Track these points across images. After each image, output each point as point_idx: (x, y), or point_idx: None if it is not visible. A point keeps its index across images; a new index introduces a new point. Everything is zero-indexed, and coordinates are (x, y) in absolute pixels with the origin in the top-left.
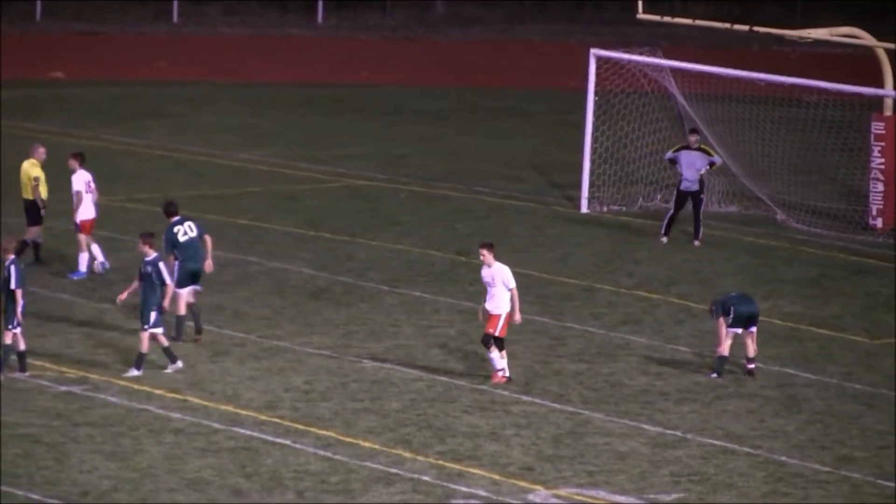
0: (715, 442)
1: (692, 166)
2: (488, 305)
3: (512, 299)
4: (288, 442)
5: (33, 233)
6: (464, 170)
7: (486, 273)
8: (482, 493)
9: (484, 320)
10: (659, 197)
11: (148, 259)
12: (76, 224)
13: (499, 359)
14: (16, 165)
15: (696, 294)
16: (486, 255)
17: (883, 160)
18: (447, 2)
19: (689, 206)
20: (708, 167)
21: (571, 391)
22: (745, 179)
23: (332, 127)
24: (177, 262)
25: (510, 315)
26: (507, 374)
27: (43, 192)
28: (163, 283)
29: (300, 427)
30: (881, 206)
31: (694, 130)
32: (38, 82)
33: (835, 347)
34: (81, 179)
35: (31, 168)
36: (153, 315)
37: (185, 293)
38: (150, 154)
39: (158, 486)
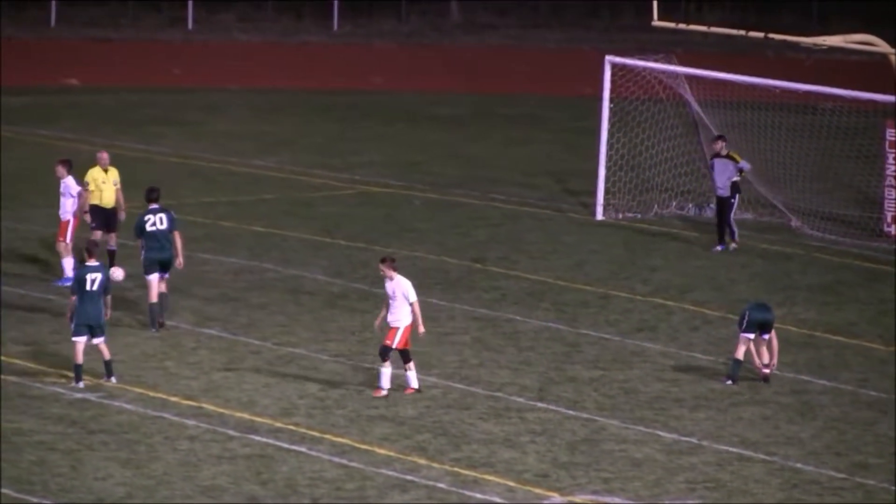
0: (730, 449)
1: (723, 173)
2: (389, 318)
3: (413, 312)
4: (303, 449)
5: (96, 235)
6: (479, 177)
7: (387, 286)
8: (497, 500)
9: (381, 332)
10: (674, 204)
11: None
12: (86, 220)
13: (388, 375)
14: (29, 170)
15: (711, 301)
16: (386, 270)
17: None
18: (462, 9)
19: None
20: (738, 174)
21: (587, 398)
22: (759, 186)
23: (348, 134)
24: (142, 250)
25: (411, 327)
26: (417, 387)
27: (93, 198)
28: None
29: (315, 434)
30: (895, 213)
31: (721, 137)
32: (53, 89)
33: (849, 354)
34: (74, 183)
35: (97, 174)
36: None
37: (154, 281)
38: (165, 161)
39: (173, 494)
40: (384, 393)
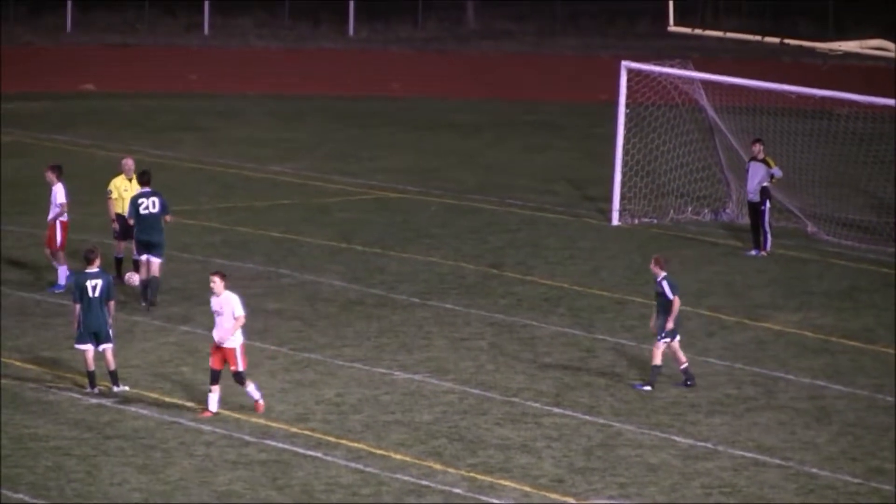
0: (746, 454)
1: (755, 177)
2: (218, 337)
3: (236, 327)
4: (319, 454)
5: (121, 247)
6: (496, 183)
7: (214, 302)
8: None
9: (214, 349)
10: (690, 209)
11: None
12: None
13: (255, 388)
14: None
15: (727, 307)
16: (217, 284)
17: None
18: (479, 15)
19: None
20: (769, 179)
21: (602, 403)
22: (775, 191)
23: (365, 140)
24: (134, 233)
25: (244, 344)
26: (259, 397)
27: (117, 206)
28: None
29: (331, 440)
30: None
31: (759, 140)
32: (70, 95)
33: (866, 360)
34: (63, 192)
35: (121, 182)
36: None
37: (143, 261)
38: (181, 167)
39: (189, 499)
40: (211, 413)
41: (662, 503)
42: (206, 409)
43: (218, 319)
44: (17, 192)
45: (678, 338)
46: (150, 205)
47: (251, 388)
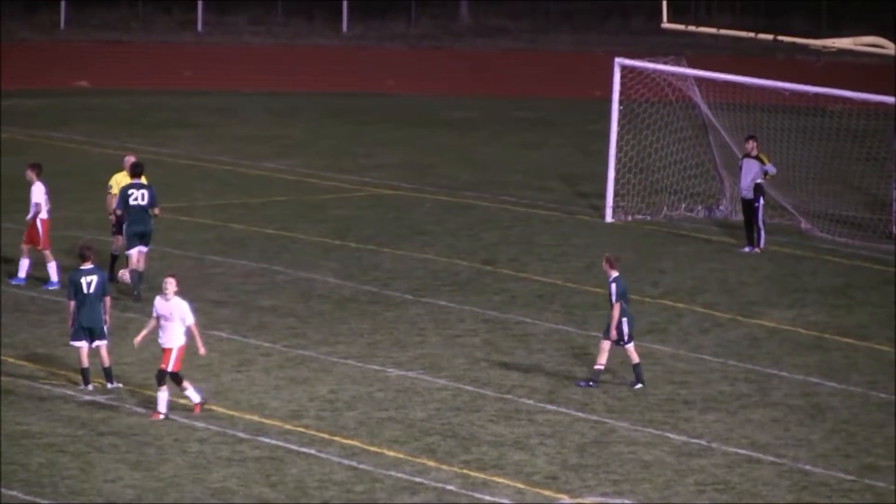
0: (740, 451)
1: (748, 174)
2: (161, 339)
3: (193, 334)
4: (313, 451)
5: (117, 244)
6: (490, 179)
7: (163, 307)
8: (507, 502)
9: (139, 348)
10: (684, 206)
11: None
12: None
13: (165, 400)
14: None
15: (721, 303)
16: (170, 286)
17: None
18: (473, 12)
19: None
20: (763, 176)
21: (596, 400)
22: (769, 188)
23: (359, 136)
24: (124, 225)
25: (184, 348)
26: (200, 401)
27: (113, 203)
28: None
29: (325, 436)
30: None
31: (752, 137)
32: (64, 92)
33: (860, 357)
34: (41, 191)
35: (122, 178)
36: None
37: (134, 254)
38: (176, 163)
39: (183, 496)
40: (162, 416)
41: (656, 500)
42: (156, 412)
43: (165, 324)
44: (13, 190)
45: (611, 341)
46: (140, 196)
47: (163, 395)
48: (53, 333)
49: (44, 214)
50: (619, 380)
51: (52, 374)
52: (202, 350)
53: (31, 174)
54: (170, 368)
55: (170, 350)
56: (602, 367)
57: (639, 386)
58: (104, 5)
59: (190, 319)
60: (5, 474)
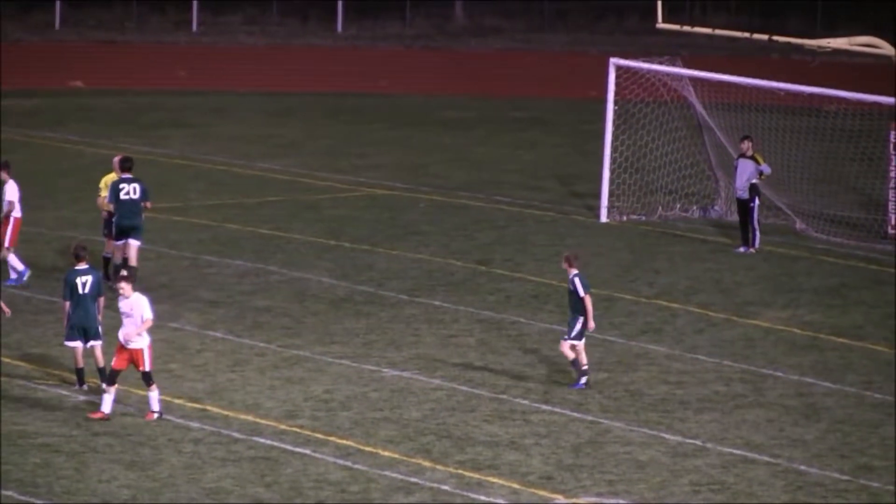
0: (735, 451)
1: (743, 174)
2: (127, 338)
3: (143, 328)
4: (308, 451)
5: (108, 246)
6: (485, 179)
7: (124, 304)
8: (502, 502)
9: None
10: (678, 206)
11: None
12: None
13: (157, 398)
14: (35, 173)
15: (716, 303)
16: (125, 288)
17: None
18: (467, 12)
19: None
20: (758, 176)
21: (591, 400)
22: (764, 188)
23: (353, 136)
24: (114, 218)
25: (151, 345)
26: (158, 410)
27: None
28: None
29: (320, 436)
30: None
31: (747, 137)
32: (59, 92)
33: (854, 356)
34: (14, 189)
35: (112, 179)
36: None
37: (120, 245)
38: (170, 163)
39: (178, 496)
40: (156, 416)
41: (651, 500)
42: (99, 410)
43: (126, 321)
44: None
45: (584, 340)
46: (131, 191)
47: (154, 394)
48: (48, 334)
49: (17, 213)
50: (614, 380)
51: (47, 375)
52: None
53: (3, 175)
54: (148, 368)
55: (140, 351)
56: (587, 366)
57: (583, 383)
58: (99, 5)
59: (147, 315)
60: (0, 474)
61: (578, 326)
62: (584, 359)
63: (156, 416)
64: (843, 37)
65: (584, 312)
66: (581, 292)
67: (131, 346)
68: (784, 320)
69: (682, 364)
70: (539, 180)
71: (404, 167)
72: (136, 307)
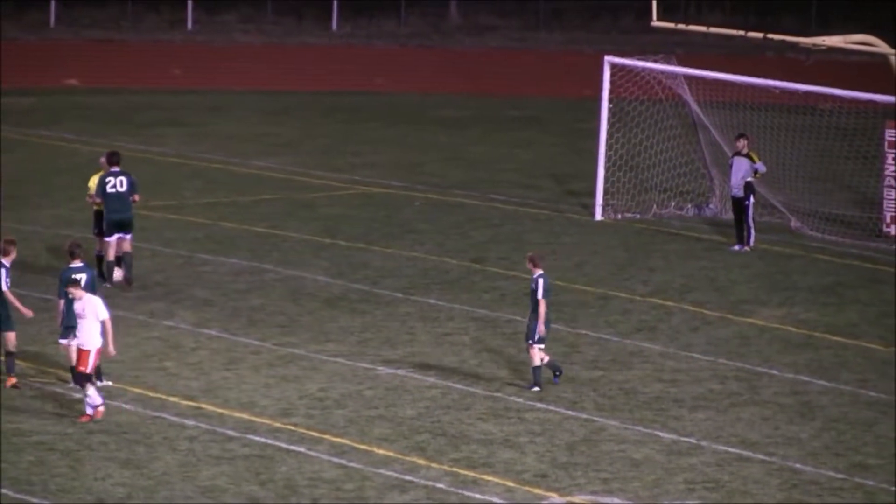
0: (730, 449)
1: (738, 172)
2: (80, 340)
3: (105, 332)
4: (303, 449)
5: (99, 245)
6: (479, 178)
7: (77, 305)
8: (497, 500)
9: (76, 354)
10: (673, 204)
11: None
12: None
13: (96, 395)
14: (31, 171)
15: (711, 302)
16: (75, 291)
17: None
18: (462, 10)
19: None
20: (753, 174)
21: (586, 398)
22: (759, 187)
23: (349, 135)
24: (103, 212)
25: (102, 349)
26: (92, 413)
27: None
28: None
29: (315, 434)
30: (895, 214)
31: (743, 135)
32: (54, 90)
33: (849, 355)
34: None
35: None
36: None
37: (113, 242)
38: (166, 162)
39: (173, 494)
40: (97, 411)
41: (646, 498)
42: (84, 415)
43: (81, 322)
44: (4, 188)
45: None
46: (118, 184)
47: (91, 392)
48: (43, 332)
49: None
50: (609, 379)
51: (41, 372)
52: (111, 349)
53: None
54: (89, 370)
55: (88, 352)
56: (548, 359)
57: (536, 389)
58: (94, 4)
59: (103, 315)
60: None
61: (541, 331)
62: (545, 356)
63: (90, 414)
64: (838, 35)
65: (535, 318)
66: (539, 294)
67: (84, 346)
68: (779, 318)
69: (677, 362)
70: (534, 179)
71: (400, 166)
72: (89, 306)
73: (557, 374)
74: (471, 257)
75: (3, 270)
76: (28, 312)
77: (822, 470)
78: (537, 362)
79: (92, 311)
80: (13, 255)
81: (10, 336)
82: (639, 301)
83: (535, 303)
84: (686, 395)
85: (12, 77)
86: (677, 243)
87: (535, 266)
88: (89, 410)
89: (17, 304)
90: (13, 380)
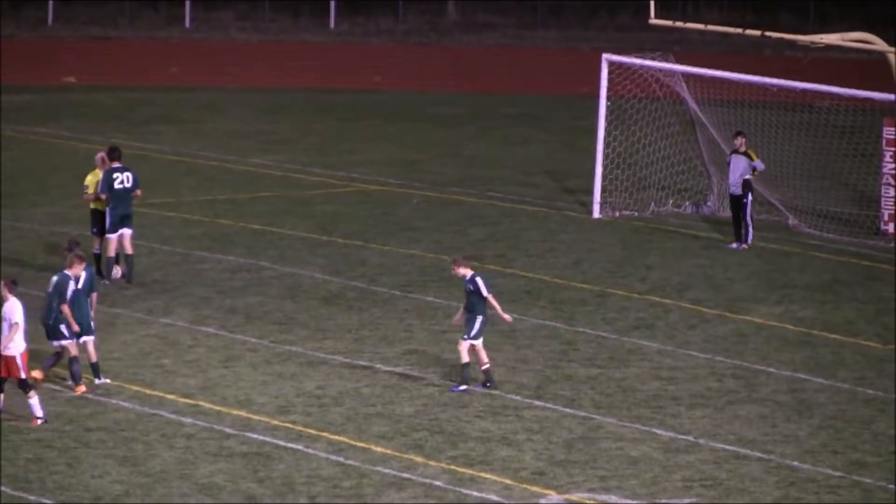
0: (727, 447)
1: (736, 170)
2: (4, 345)
3: (12, 334)
4: (300, 447)
5: (96, 243)
6: (477, 175)
7: (5, 308)
8: (494, 497)
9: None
10: (671, 202)
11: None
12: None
13: (38, 403)
14: (29, 169)
15: (708, 299)
16: (5, 291)
17: (895, 165)
18: (460, 8)
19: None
20: (751, 172)
21: (583, 396)
22: (756, 184)
23: (346, 132)
24: (108, 208)
25: (26, 354)
26: (42, 415)
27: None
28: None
29: (312, 432)
30: (892, 212)
31: (740, 133)
32: (52, 87)
33: (847, 353)
34: None
35: (96, 177)
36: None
37: (115, 238)
38: (163, 159)
39: (170, 492)
40: (41, 421)
41: (643, 496)
42: (34, 418)
43: (4, 326)
44: (1, 185)
45: (482, 339)
46: (125, 179)
47: (34, 400)
48: (41, 330)
49: None
50: (607, 376)
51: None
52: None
53: None
54: (23, 375)
55: (13, 358)
56: (488, 364)
57: (463, 388)
58: (92, 1)
59: (16, 319)
60: None
61: (478, 326)
62: (484, 357)
63: (40, 421)
64: (836, 32)
65: (484, 312)
66: (484, 292)
67: (4, 353)
68: (776, 316)
69: (675, 360)
70: (531, 176)
71: (397, 163)
72: (9, 311)
73: (488, 384)
74: (468, 255)
75: (72, 283)
76: (76, 327)
77: (820, 467)
78: (466, 359)
79: (9, 315)
80: (77, 269)
81: (88, 342)
82: (636, 299)
83: (475, 303)
84: (684, 393)
85: (10, 74)
86: (675, 241)
87: (465, 267)
88: (37, 412)
89: (71, 319)
90: (81, 388)
